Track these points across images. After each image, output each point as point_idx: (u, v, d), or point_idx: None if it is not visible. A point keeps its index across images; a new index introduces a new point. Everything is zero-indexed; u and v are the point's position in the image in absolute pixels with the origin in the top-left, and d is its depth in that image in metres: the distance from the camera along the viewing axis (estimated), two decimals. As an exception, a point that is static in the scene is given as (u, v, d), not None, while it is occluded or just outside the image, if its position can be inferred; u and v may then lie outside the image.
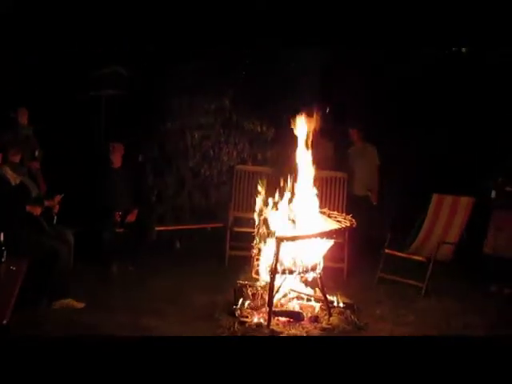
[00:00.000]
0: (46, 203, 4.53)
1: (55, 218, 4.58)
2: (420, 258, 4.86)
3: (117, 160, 5.53)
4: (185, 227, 6.19)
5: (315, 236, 3.94)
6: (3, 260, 3.56)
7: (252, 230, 4.35)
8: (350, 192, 5.77)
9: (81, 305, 4.16)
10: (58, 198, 4.61)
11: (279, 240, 3.85)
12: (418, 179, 6.11)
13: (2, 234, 3.55)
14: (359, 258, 5.38)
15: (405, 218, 5.56)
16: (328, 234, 4.00)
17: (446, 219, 5.12)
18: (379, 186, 6.06)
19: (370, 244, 5.58)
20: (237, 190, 5.84)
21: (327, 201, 5.34)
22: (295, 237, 3.96)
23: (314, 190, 4.27)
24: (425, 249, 5.07)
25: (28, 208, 4.32)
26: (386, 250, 5.00)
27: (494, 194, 5.14)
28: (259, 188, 4.32)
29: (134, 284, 4.79)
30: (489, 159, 5.67)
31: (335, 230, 4.03)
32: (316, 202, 4.26)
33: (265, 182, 4.38)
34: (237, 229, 5.51)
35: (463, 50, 6.52)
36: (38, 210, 4.38)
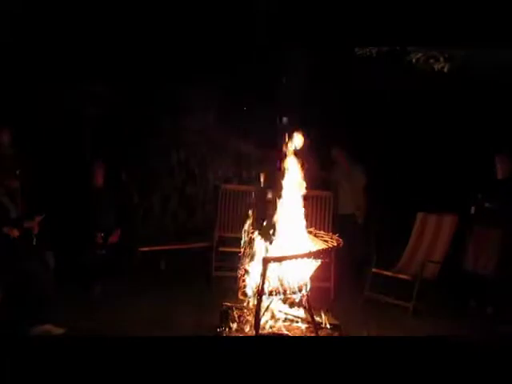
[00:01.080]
0: (26, 224, 4.42)
1: (34, 239, 4.46)
2: (406, 277, 4.86)
3: (99, 179, 5.44)
4: (169, 247, 6.10)
5: (302, 256, 3.89)
6: None
7: (238, 250, 4.29)
8: (336, 211, 5.76)
9: (60, 330, 4.02)
10: (37, 218, 4.49)
11: (266, 261, 3.80)
12: (402, 197, 6.14)
13: None
14: (346, 277, 5.35)
15: (390, 237, 5.56)
16: (315, 255, 3.95)
17: (430, 238, 5.14)
18: (365, 205, 6.06)
19: (356, 263, 5.55)
20: (222, 209, 5.79)
21: (313, 220, 5.32)
22: (282, 257, 3.90)
23: (301, 210, 4.24)
24: (411, 267, 5.07)
25: (5, 230, 4.20)
26: (373, 269, 4.99)
27: (473, 210, 5.13)
28: (247, 213, 4.26)
29: (117, 307, 4.66)
30: (470, 175, 5.73)
31: (322, 250, 3.99)
32: (303, 221, 4.23)
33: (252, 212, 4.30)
34: (222, 249, 5.44)
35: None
36: (15, 233, 4.26)
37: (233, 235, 5.05)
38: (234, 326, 4.03)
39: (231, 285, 4.45)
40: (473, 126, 6.21)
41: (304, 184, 4.30)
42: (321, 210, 5.55)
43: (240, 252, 4.24)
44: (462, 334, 3.90)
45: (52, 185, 5.72)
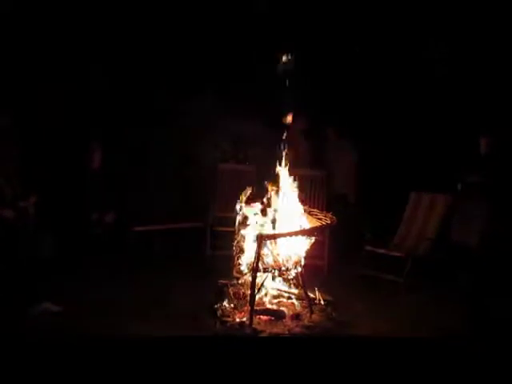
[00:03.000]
0: (21, 204, 4.42)
1: (31, 219, 4.48)
2: (399, 254, 4.92)
3: (95, 160, 5.45)
4: (164, 227, 6.11)
5: (296, 234, 3.94)
6: None
7: (233, 229, 4.33)
8: (331, 190, 5.81)
9: (58, 308, 4.06)
10: (33, 198, 4.50)
11: (260, 238, 3.85)
12: (396, 176, 6.18)
13: None
14: (339, 255, 5.42)
15: (384, 215, 5.62)
16: (309, 232, 4.01)
17: (423, 216, 5.21)
18: (357, 184, 6.10)
19: (350, 242, 5.61)
20: (219, 189, 5.81)
21: (307, 199, 5.35)
22: (276, 234, 3.96)
23: (295, 188, 4.28)
24: (404, 245, 5.13)
25: (0, 212, 4.21)
26: (367, 247, 5.05)
27: (459, 186, 5.27)
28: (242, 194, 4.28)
29: (114, 286, 4.70)
30: (456, 153, 5.80)
31: (316, 227, 4.04)
32: (297, 200, 4.27)
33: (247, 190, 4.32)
34: (217, 228, 5.48)
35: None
36: (9, 213, 4.27)
37: (228, 215, 5.06)
38: (230, 302, 4.10)
39: (226, 263, 4.50)
40: (458, 105, 6.25)
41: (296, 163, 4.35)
42: (314, 189, 5.59)
43: (235, 231, 4.29)
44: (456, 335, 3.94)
45: (48, 165, 5.71)
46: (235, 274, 4.24)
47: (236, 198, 4.29)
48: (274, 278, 4.20)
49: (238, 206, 4.21)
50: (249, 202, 4.18)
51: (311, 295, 4.27)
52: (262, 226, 4.02)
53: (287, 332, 3.81)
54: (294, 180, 4.27)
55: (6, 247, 4.19)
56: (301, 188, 4.38)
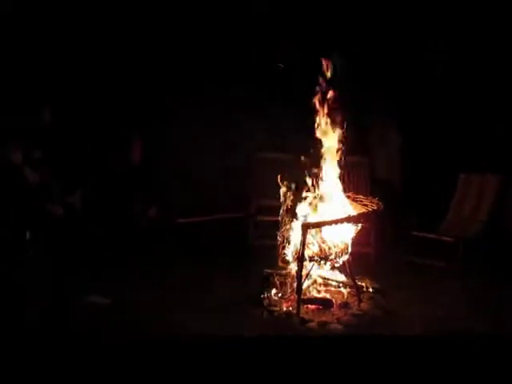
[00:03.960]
0: (67, 199, 4.49)
1: (78, 214, 4.56)
2: (448, 239, 4.75)
3: (136, 156, 5.51)
4: (206, 219, 6.11)
5: (342, 221, 3.86)
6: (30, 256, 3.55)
7: (276, 219, 4.28)
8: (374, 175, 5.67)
9: (107, 301, 4.13)
10: (79, 193, 4.56)
11: (305, 227, 3.79)
12: (443, 158, 5.96)
13: (27, 233, 3.55)
14: (386, 241, 5.29)
15: (432, 200, 5.43)
16: (355, 219, 3.91)
17: (474, 198, 5.00)
18: (402, 169, 5.92)
19: (397, 227, 5.47)
20: (258, 178, 5.77)
21: (351, 185, 5.24)
22: (321, 223, 3.89)
23: (338, 175, 4.19)
24: (454, 229, 4.95)
25: (48, 207, 4.30)
26: (414, 232, 4.90)
27: None
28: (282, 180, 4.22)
29: (159, 278, 4.75)
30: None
31: (362, 213, 3.94)
32: (341, 186, 4.18)
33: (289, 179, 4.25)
34: (260, 218, 5.44)
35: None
36: (59, 210, 4.35)
37: (270, 203, 5.00)
38: (276, 292, 4.07)
39: (271, 253, 4.46)
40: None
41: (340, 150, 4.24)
42: (358, 175, 5.46)
43: (278, 219, 4.24)
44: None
45: (92, 160, 5.81)
46: (280, 263, 4.21)
47: (277, 187, 4.24)
48: (320, 267, 4.13)
49: (281, 195, 4.16)
50: (292, 190, 4.12)
51: (359, 283, 4.19)
52: (306, 214, 3.95)
53: (335, 321, 3.74)
54: (338, 166, 4.18)
55: (55, 242, 4.28)
56: (344, 174, 4.29)
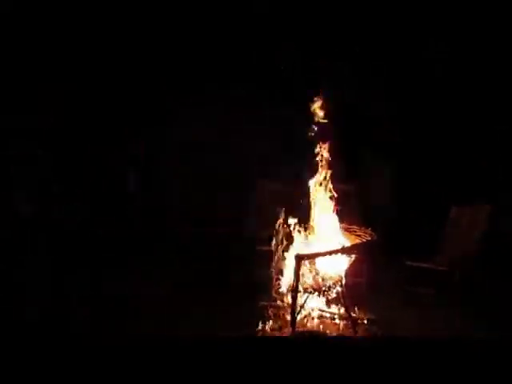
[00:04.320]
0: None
1: None
2: (443, 269, 4.75)
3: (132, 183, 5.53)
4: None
5: (336, 253, 3.86)
6: None
7: (271, 249, 4.27)
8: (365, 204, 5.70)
9: None
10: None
11: (299, 258, 3.78)
12: (435, 188, 6.02)
13: None
14: (380, 270, 5.27)
15: (424, 229, 5.46)
16: (349, 250, 3.91)
17: (466, 229, 5.03)
18: (395, 197, 5.97)
19: (390, 256, 5.47)
20: (257, 205, 5.75)
21: (344, 214, 5.25)
22: (315, 254, 3.88)
23: (332, 205, 4.20)
24: (447, 259, 4.95)
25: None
26: (407, 262, 4.90)
27: None
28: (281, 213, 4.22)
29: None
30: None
31: (356, 245, 3.95)
32: (334, 216, 4.19)
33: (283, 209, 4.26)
34: (258, 247, 5.38)
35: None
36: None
37: (267, 232, 4.94)
38: (271, 324, 4.03)
39: (266, 283, 4.41)
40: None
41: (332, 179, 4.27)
42: (351, 205, 5.47)
43: (272, 250, 4.23)
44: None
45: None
46: (275, 294, 4.18)
47: (274, 216, 4.24)
48: (314, 298, 4.10)
49: (277, 225, 4.17)
50: (287, 220, 4.12)
51: (354, 314, 4.16)
52: (300, 245, 3.95)
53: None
54: (330, 195, 4.20)
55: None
56: (337, 203, 4.30)
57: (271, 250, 4.32)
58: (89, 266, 4.40)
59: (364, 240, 4.00)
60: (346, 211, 5.38)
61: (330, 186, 4.24)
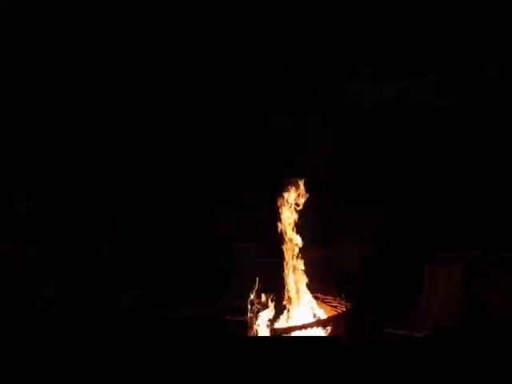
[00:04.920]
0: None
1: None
2: (420, 335, 4.68)
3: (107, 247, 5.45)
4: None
5: (311, 326, 3.76)
6: None
7: (244, 319, 4.14)
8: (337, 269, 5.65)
9: None
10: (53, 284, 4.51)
11: (274, 332, 3.67)
12: (409, 247, 6.02)
13: None
14: (358, 338, 5.14)
15: (401, 291, 5.40)
16: (324, 323, 3.83)
17: (441, 290, 5.00)
18: (369, 260, 5.94)
19: (367, 322, 5.36)
20: (235, 273, 5.65)
21: (316, 281, 5.17)
22: (290, 328, 3.77)
23: (304, 275, 4.14)
24: (426, 323, 4.89)
25: None
26: (386, 329, 4.81)
27: None
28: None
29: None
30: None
31: (331, 317, 3.87)
32: (307, 287, 4.12)
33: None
34: (230, 317, 5.23)
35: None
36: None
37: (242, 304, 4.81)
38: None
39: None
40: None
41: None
42: (324, 272, 5.40)
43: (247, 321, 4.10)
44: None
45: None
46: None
47: (249, 288, 4.14)
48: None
49: (251, 297, 4.06)
50: (260, 294, 4.02)
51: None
52: (274, 319, 3.84)
53: None
54: (303, 265, 4.15)
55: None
56: (308, 272, 4.23)
57: (245, 321, 4.18)
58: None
59: (340, 312, 3.92)
60: (320, 278, 5.35)
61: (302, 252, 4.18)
